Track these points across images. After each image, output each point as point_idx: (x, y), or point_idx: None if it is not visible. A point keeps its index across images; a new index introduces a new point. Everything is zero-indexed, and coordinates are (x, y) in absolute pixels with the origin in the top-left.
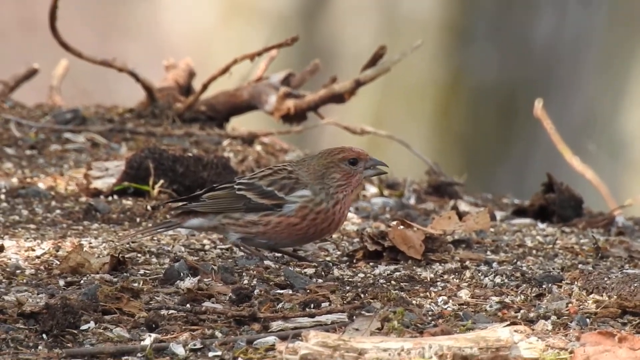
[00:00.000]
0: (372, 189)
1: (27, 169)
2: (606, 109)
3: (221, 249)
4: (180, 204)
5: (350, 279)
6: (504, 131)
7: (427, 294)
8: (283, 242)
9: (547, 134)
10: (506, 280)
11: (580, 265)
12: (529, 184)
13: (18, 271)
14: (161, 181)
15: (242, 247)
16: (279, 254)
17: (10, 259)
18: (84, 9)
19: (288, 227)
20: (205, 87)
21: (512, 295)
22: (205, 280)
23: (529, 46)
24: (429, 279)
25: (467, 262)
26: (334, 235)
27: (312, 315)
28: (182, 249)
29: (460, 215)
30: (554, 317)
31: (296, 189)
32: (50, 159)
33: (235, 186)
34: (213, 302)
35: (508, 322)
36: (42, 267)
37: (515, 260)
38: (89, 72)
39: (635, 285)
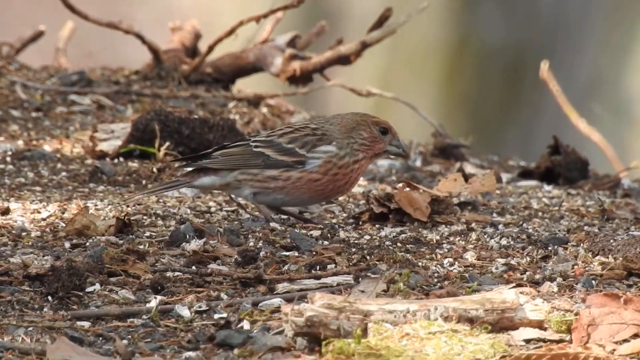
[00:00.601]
0: None
1: (32, 131)
2: (612, 70)
3: (227, 211)
4: (187, 162)
5: (356, 241)
6: (510, 93)
7: (433, 256)
8: (300, 198)
9: (554, 96)
10: (512, 242)
11: (586, 228)
12: (535, 146)
13: (24, 233)
14: (167, 143)
15: (253, 204)
16: (285, 216)
17: (15, 222)
18: None
19: (308, 182)
20: (211, 49)
21: (518, 257)
22: (210, 242)
23: (535, 8)
24: (434, 241)
25: (473, 224)
26: (340, 198)
27: (317, 277)
28: (188, 211)
29: (466, 178)
30: (559, 279)
31: (319, 145)
32: (56, 121)
33: (252, 143)
34: (219, 264)
35: (514, 284)
36: (47, 230)
37: (521, 223)
38: (95, 35)
39: None
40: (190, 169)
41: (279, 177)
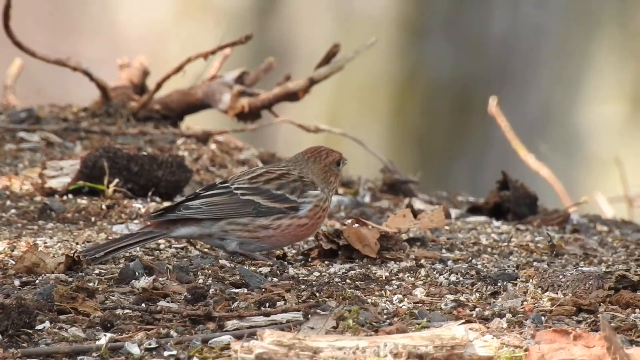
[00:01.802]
0: None
1: None
2: (561, 105)
3: (176, 248)
4: (163, 213)
5: (305, 278)
6: (459, 128)
7: (382, 292)
8: (281, 244)
9: (502, 132)
10: (461, 279)
11: (535, 263)
12: (484, 182)
13: None
14: (116, 180)
15: (240, 252)
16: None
17: None
18: (37, 7)
19: (297, 228)
20: (159, 85)
21: (467, 293)
22: (160, 279)
23: (484, 42)
24: (384, 278)
25: (422, 261)
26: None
27: (267, 314)
28: (137, 248)
29: (415, 213)
30: (509, 315)
31: (306, 190)
32: (5, 158)
33: (236, 191)
34: (168, 302)
35: (463, 320)
36: None
37: (470, 258)
38: (44, 72)
39: (590, 282)
40: (160, 216)
41: (270, 225)
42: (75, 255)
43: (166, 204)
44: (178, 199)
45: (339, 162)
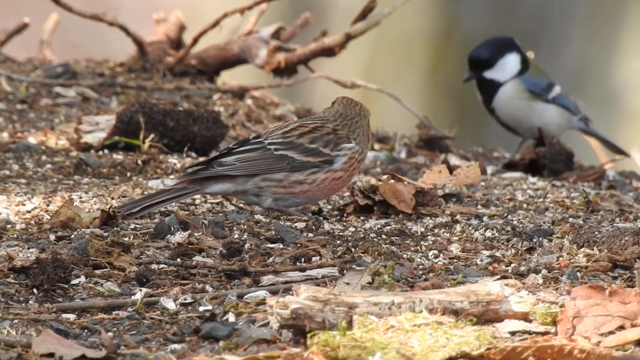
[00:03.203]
0: None
1: (17, 123)
2: (596, 60)
3: (211, 203)
4: (199, 169)
5: (340, 233)
6: None
7: (418, 248)
8: (317, 198)
9: None
10: (497, 234)
11: (570, 219)
12: (520, 138)
13: (8, 226)
14: (152, 135)
15: (275, 208)
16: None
17: (0, 214)
18: None
19: (332, 181)
20: (195, 41)
21: (503, 249)
22: (195, 234)
23: None
24: (419, 233)
25: (458, 216)
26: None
27: (302, 270)
28: (172, 203)
29: (451, 169)
30: (544, 271)
31: (340, 143)
32: (41, 113)
33: (269, 146)
34: (203, 257)
35: (499, 276)
36: (32, 222)
37: (505, 214)
38: (80, 27)
39: (625, 238)
40: (194, 174)
41: (305, 180)
42: (111, 210)
43: (202, 159)
44: (213, 154)
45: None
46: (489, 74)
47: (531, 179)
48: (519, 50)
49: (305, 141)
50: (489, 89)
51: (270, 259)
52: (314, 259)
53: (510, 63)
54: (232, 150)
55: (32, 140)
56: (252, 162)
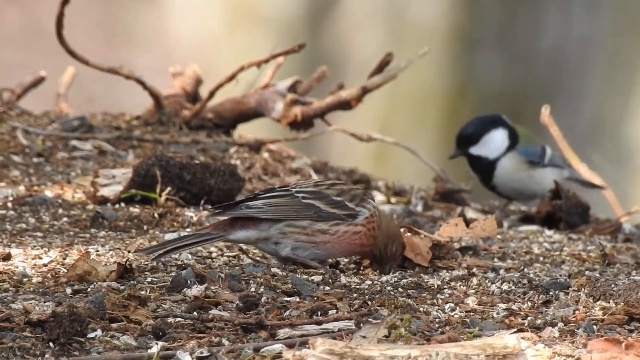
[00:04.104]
0: (379, 196)
1: (34, 176)
2: (613, 114)
3: (228, 256)
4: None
5: (357, 286)
6: None
7: (434, 301)
8: (334, 253)
9: (554, 141)
10: (513, 287)
11: (587, 272)
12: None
13: (25, 279)
14: (168, 188)
15: (293, 257)
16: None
17: (17, 267)
18: (89, 17)
19: (352, 235)
20: (212, 94)
21: (519, 302)
22: (212, 287)
23: (535, 53)
24: (436, 286)
25: (474, 269)
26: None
27: (319, 323)
28: (189, 256)
29: (468, 222)
30: (560, 324)
31: (365, 199)
32: (57, 166)
33: (297, 194)
34: (220, 310)
35: (515, 329)
36: (49, 275)
37: (522, 267)
38: (96, 80)
39: None
40: (220, 217)
41: (328, 230)
42: (128, 263)
43: (214, 209)
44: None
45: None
46: (475, 150)
47: (547, 232)
48: (506, 125)
49: (333, 193)
50: (481, 166)
51: (287, 312)
52: (330, 312)
53: (496, 139)
54: (258, 196)
55: (48, 193)
56: (279, 207)
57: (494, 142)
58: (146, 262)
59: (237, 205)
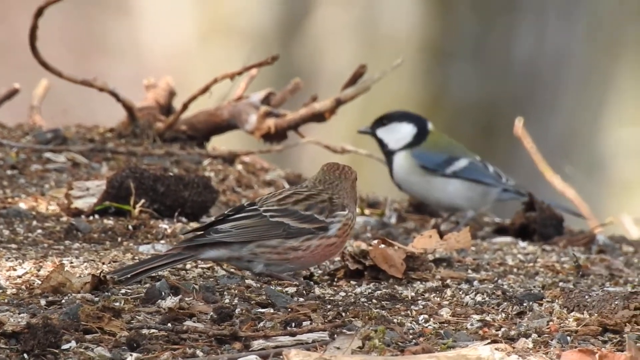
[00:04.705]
0: None
1: (8, 189)
2: (585, 127)
3: (202, 268)
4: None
5: (331, 298)
6: (484, 150)
7: (408, 312)
8: (309, 264)
9: (527, 153)
10: (487, 299)
11: (561, 284)
12: (509, 203)
13: None
14: (142, 200)
15: (267, 274)
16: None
17: None
18: (62, 29)
19: (326, 248)
20: (185, 106)
21: (493, 313)
22: (186, 299)
23: (509, 65)
24: (410, 298)
25: (448, 281)
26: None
27: (293, 334)
28: (167, 268)
29: (442, 234)
30: (534, 335)
31: (334, 210)
32: (31, 178)
33: (265, 213)
34: (194, 321)
35: (489, 340)
36: (23, 287)
37: (496, 279)
38: (69, 92)
39: (615, 302)
40: (190, 241)
41: (300, 247)
42: (103, 275)
43: (193, 224)
44: (204, 219)
45: (356, 178)
46: (380, 132)
47: (521, 244)
48: (419, 125)
49: (301, 208)
50: (384, 154)
51: (261, 324)
52: (304, 323)
53: (401, 131)
54: (228, 217)
55: (22, 205)
56: (248, 229)
57: (399, 133)
58: (118, 280)
59: (207, 230)
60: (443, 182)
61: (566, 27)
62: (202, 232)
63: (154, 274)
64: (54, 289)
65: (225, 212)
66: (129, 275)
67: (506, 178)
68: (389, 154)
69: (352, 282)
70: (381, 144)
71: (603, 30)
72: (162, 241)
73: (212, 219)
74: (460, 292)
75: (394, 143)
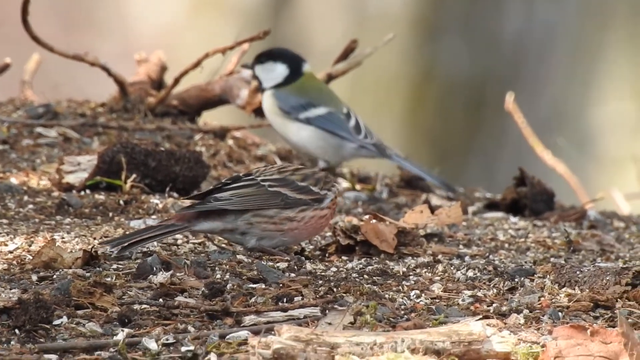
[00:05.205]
0: (344, 183)
1: None
2: (575, 102)
3: (194, 243)
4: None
5: (322, 273)
6: (474, 125)
7: (400, 287)
8: (301, 238)
9: (518, 128)
10: (478, 274)
11: (552, 259)
12: (500, 178)
13: None
14: (134, 175)
15: (259, 248)
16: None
17: None
18: (52, 4)
19: (318, 220)
20: (177, 81)
21: (485, 289)
22: (178, 274)
23: (498, 40)
24: (401, 273)
25: (440, 256)
26: None
27: (284, 310)
28: (155, 243)
29: (433, 209)
30: (526, 311)
31: (329, 182)
32: (23, 153)
33: (263, 182)
34: (186, 297)
35: (480, 316)
36: (14, 262)
37: (487, 254)
38: (60, 67)
39: (607, 278)
40: (184, 208)
41: (295, 217)
42: (93, 250)
43: (184, 199)
44: (195, 194)
45: None
46: (257, 70)
47: (512, 219)
48: (293, 66)
49: (297, 178)
50: (261, 93)
51: (253, 299)
52: (296, 299)
53: (276, 70)
54: (225, 186)
55: (13, 180)
56: (247, 198)
57: (273, 72)
58: (111, 250)
59: (205, 198)
60: (297, 127)
61: (555, 1)
62: (199, 201)
63: (147, 245)
64: (45, 264)
65: (222, 181)
66: (123, 245)
67: (366, 134)
68: (262, 92)
69: (344, 258)
70: (258, 81)
71: (593, 3)
72: (154, 216)
73: (210, 187)
74: (452, 268)
75: (267, 82)
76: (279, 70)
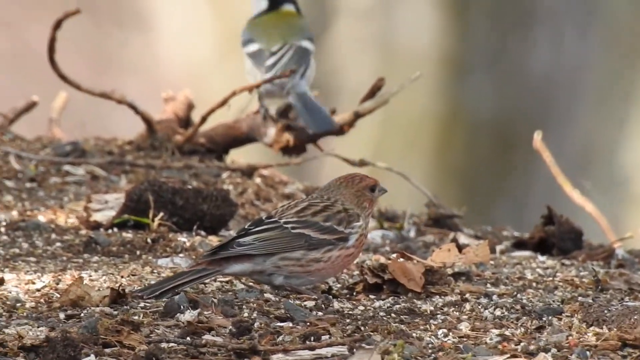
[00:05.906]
0: (371, 222)
1: (27, 201)
2: (605, 140)
3: (221, 281)
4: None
5: (350, 312)
6: (502, 164)
7: (427, 326)
8: (328, 276)
9: (546, 166)
10: (506, 313)
11: (580, 298)
12: (528, 217)
13: (18, 304)
14: (161, 214)
15: (288, 287)
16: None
17: (10, 292)
18: (79, 42)
19: (345, 258)
20: (204, 119)
21: (512, 327)
22: (205, 313)
23: (526, 78)
24: (429, 312)
25: (467, 295)
26: None
27: (312, 348)
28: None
29: (460, 248)
30: (554, 350)
31: (352, 221)
32: (50, 191)
33: (286, 225)
34: (213, 335)
35: (508, 355)
36: (42, 300)
37: (515, 293)
38: (88, 105)
39: (635, 317)
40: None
41: (321, 258)
42: (121, 288)
43: (211, 237)
44: (223, 232)
45: (374, 188)
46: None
47: (540, 258)
48: (273, 2)
49: (320, 219)
50: None
51: (280, 338)
52: (323, 337)
53: (260, 2)
54: (249, 231)
55: (41, 218)
56: (270, 241)
57: (257, 3)
58: (145, 299)
59: (229, 244)
60: (245, 59)
61: (584, 39)
62: (225, 247)
63: (179, 290)
64: (73, 303)
65: (245, 227)
66: (156, 293)
67: (267, 70)
68: None
69: (371, 296)
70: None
71: (622, 40)
72: (181, 254)
73: (233, 233)
74: (480, 306)
75: (253, 10)
76: (261, 4)
